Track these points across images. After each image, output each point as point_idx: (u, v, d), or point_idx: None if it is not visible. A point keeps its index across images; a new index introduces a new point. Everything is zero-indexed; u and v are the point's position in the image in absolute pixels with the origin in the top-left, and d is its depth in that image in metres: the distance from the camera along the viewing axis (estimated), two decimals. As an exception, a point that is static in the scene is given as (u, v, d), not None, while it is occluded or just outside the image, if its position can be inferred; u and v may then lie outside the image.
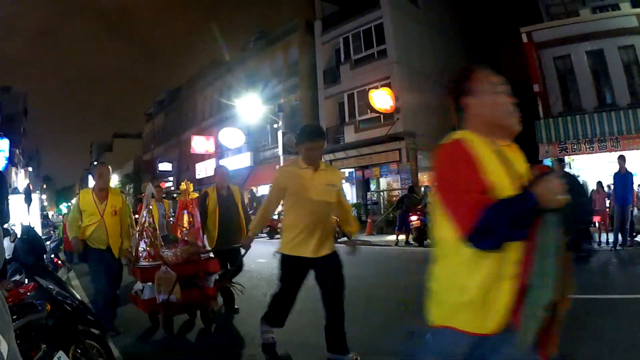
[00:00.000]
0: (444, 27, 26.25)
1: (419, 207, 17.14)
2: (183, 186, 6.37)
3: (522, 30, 20.41)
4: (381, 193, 24.21)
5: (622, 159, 11.85)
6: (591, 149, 18.64)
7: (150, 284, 5.64)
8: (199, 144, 34.95)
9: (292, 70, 28.38)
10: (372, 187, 24.89)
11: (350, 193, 24.87)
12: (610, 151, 17.41)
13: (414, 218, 16.50)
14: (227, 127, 30.83)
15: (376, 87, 22.56)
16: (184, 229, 6.13)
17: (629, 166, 11.93)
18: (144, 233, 5.96)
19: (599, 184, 13.74)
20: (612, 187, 12.54)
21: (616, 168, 11.93)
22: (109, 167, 6.28)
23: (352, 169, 24.82)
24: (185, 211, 6.17)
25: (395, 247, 16.33)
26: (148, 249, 5.91)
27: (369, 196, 24.86)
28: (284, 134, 24.67)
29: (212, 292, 5.98)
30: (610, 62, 19.17)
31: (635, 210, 12.44)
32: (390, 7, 23.21)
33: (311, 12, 28.33)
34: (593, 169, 18.85)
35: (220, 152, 33.76)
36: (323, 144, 4.55)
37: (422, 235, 16.02)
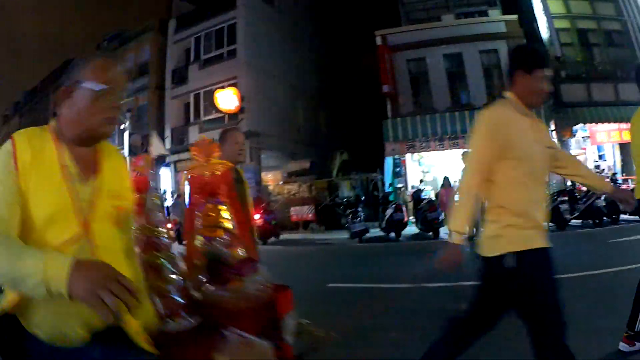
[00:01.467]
0: (299, 29, 26.49)
1: (262, 205, 17.05)
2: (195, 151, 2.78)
3: (376, 34, 21.03)
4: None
5: (465, 155, 12.37)
6: (441, 146, 19.34)
7: None
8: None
9: (142, 70, 27.43)
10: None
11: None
12: (462, 148, 17.42)
13: (256, 217, 16.30)
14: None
15: (223, 87, 22.29)
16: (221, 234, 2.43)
17: None
18: None
19: (446, 179, 14.68)
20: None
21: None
22: None
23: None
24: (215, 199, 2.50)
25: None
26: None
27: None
28: (130, 135, 23.75)
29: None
30: (469, 65, 20.20)
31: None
32: (246, 7, 23.15)
33: (168, 13, 27.85)
34: (443, 165, 19.63)
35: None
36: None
37: (265, 233, 15.78)
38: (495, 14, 21.17)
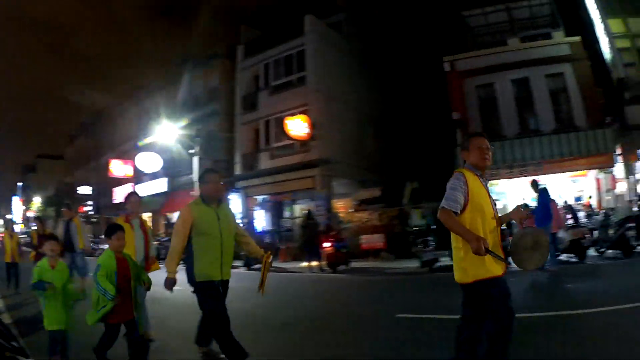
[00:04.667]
0: (367, 55, 26.64)
1: (333, 233, 17.02)
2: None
3: (445, 60, 20.97)
4: (295, 220, 24.00)
5: (534, 184, 12.11)
6: (511, 173, 19.09)
7: None
8: (118, 167, 33.98)
9: (211, 95, 28.06)
10: (287, 213, 24.66)
11: (264, 219, 24.65)
12: (532, 175, 17.52)
13: (326, 244, 16.33)
14: (145, 151, 30.04)
15: (293, 114, 22.45)
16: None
17: (552, 189, 12.35)
18: None
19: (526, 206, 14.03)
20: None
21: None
22: None
23: (267, 196, 24.54)
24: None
25: (310, 274, 16.14)
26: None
27: (282, 223, 24.58)
28: (200, 160, 24.19)
29: None
30: (536, 89, 19.87)
31: (560, 232, 12.63)
32: (314, 34, 23.40)
33: (236, 39, 28.30)
34: (514, 192, 19.55)
35: (137, 176, 32.81)
36: None
37: (335, 261, 15.77)
38: (558, 35, 20.73)
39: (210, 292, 4.66)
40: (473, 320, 3.78)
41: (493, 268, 3.61)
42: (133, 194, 6.93)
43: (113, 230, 4.90)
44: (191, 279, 4.71)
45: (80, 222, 10.26)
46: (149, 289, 5.23)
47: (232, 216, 5.12)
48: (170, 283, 4.65)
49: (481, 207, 3.73)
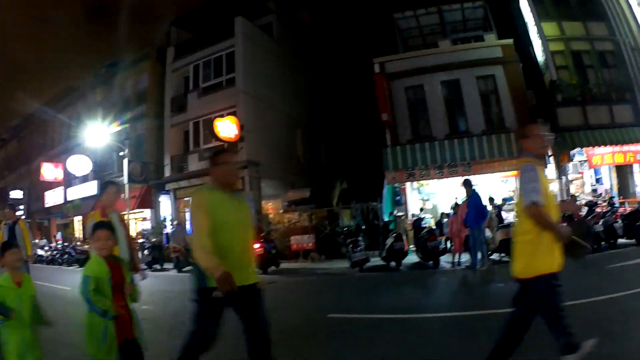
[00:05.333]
0: (297, 57, 26.77)
1: (263, 234, 17.12)
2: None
3: (374, 61, 21.04)
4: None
5: (466, 183, 12.35)
6: (441, 174, 19.31)
7: None
8: (49, 171, 33.06)
9: (140, 98, 27.61)
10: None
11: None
12: (461, 175, 17.94)
13: (256, 246, 16.34)
14: (76, 154, 29.44)
15: (222, 116, 22.27)
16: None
17: (482, 190, 12.77)
18: None
19: (456, 206, 14.17)
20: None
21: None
22: None
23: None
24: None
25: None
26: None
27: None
28: (129, 162, 23.91)
29: None
30: (467, 91, 20.15)
31: (487, 232, 12.89)
32: (244, 36, 23.33)
33: (166, 41, 28.06)
34: (442, 193, 19.94)
35: (68, 179, 32.11)
36: None
37: (265, 262, 15.80)
38: (491, 38, 21.00)
39: (215, 302, 3.55)
40: (526, 315, 3.70)
41: (556, 264, 3.62)
42: (110, 183, 5.86)
43: (100, 227, 3.79)
44: (201, 283, 3.62)
45: (25, 226, 9.17)
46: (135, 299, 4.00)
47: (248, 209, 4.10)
48: (227, 278, 3.35)
49: (549, 198, 3.69)
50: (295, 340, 6.07)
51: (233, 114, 22.33)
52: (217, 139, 21.92)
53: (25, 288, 3.90)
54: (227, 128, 21.69)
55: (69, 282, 13.89)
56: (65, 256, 24.20)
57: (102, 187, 5.27)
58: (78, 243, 26.73)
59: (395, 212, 18.97)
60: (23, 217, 38.52)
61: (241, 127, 21.83)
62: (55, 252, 25.42)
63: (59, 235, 32.52)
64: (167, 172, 24.79)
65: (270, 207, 22.65)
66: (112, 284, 3.61)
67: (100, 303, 3.47)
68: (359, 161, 25.01)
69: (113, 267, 3.70)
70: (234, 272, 3.40)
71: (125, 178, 23.75)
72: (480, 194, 12.43)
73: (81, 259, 22.23)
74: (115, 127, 26.09)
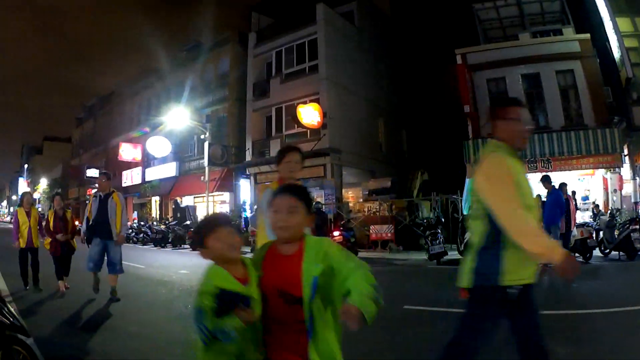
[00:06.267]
0: (378, 46, 26.75)
1: (342, 222, 17.05)
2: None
3: (457, 52, 20.89)
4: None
5: (546, 179, 11.91)
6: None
7: None
8: (127, 151, 34.16)
9: (221, 81, 28.13)
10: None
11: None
12: (540, 171, 17.38)
13: (336, 234, 16.38)
14: (155, 135, 30.20)
15: (304, 103, 22.55)
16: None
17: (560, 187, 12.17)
18: None
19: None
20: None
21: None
22: None
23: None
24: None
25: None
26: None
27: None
28: (210, 145, 24.31)
29: None
30: (546, 86, 19.79)
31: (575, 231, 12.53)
32: (326, 23, 23.35)
33: (246, 25, 28.28)
34: None
35: (146, 160, 33.00)
36: None
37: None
38: (569, 32, 20.50)
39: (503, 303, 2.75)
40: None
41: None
42: (291, 149, 4.42)
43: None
44: (484, 280, 2.77)
45: (120, 200, 8.59)
46: None
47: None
48: (574, 263, 2.55)
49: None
50: (370, 330, 5.96)
51: (316, 100, 22.51)
52: (300, 125, 22.09)
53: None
54: (310, 115, 21.81)
55: (141, 260, 15.48)
56: (141, 235, 24.93)
57: (281, 153, 4.22)
58: (155, 222, 27.46)
59: (475, 205, 18.47)
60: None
61: (324, 115, 21.88)
62: (130, 230, 26.26)
63: (134, 215, 33.48)
64: (248, 157, 25.06)
65: (351, 196, 22.63)
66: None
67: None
68: (440, 152, 24.54)
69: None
70: (527, 267, 2.72)
71: (205, 160, 24.20)
72: (561, 191, 12.01)
73: (156, 239, 22.98)
74: (196, 110, 26.56)
